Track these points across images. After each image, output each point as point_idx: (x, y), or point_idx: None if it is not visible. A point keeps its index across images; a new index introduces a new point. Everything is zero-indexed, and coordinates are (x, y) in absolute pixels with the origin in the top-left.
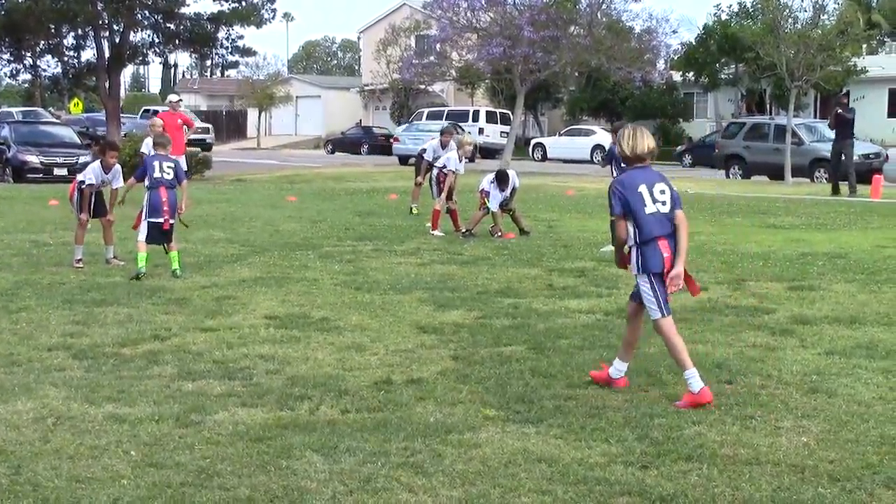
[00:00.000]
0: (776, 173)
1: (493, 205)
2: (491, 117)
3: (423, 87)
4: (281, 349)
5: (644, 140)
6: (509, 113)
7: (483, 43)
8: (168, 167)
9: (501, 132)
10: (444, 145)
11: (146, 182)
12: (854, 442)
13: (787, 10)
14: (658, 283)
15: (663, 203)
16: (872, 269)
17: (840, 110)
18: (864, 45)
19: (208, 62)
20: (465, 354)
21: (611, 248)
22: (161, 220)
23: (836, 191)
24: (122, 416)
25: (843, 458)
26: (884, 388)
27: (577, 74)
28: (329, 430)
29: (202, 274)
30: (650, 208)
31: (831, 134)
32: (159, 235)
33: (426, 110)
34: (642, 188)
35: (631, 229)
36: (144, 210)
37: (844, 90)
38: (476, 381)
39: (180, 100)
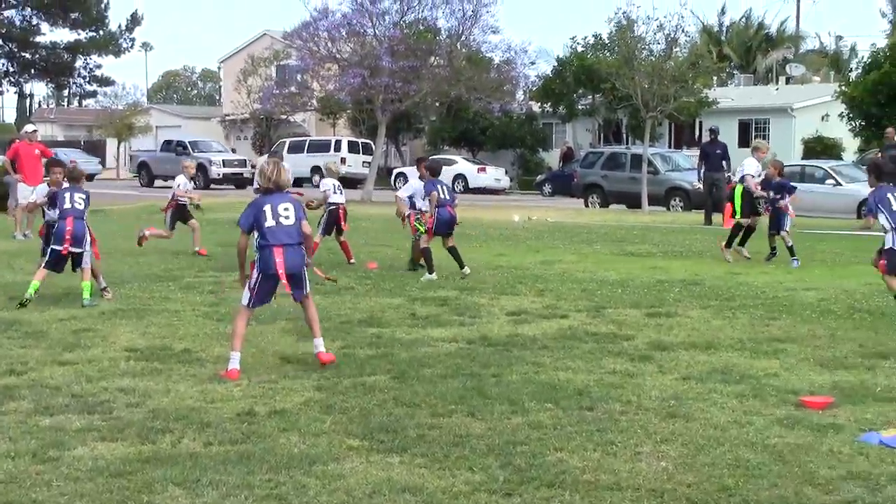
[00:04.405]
0: (633, 202)
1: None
2: (353, 147)
3: (284, 117)
4: (142, 382)
5: (283, 174)
6: (371, 143)
7: (343, 73)
8: (80, 198)
9: (363, 162)
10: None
11: (56, 213)
12: (710, 465)
13: (642, 43)
14: (263, 281)
15: (286, 218)
16: (726, 296)
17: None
18: (715, 78)
19: (66, 92)
20: (329, 385)
21: (429, 277)
22: (61, 247)
23: (708, 220)
24: None
25: (700, 482)
26: (738, 411)
27: (437, 104)
28: (191, 463)
29: (60, 306)
30: (270, 223)
31: (686, 163)
32: (61, 263)
33: (288, 140)
34: (267, 207)
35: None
36: (52, 238)
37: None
38: (340, 412)
39: (36, 130)
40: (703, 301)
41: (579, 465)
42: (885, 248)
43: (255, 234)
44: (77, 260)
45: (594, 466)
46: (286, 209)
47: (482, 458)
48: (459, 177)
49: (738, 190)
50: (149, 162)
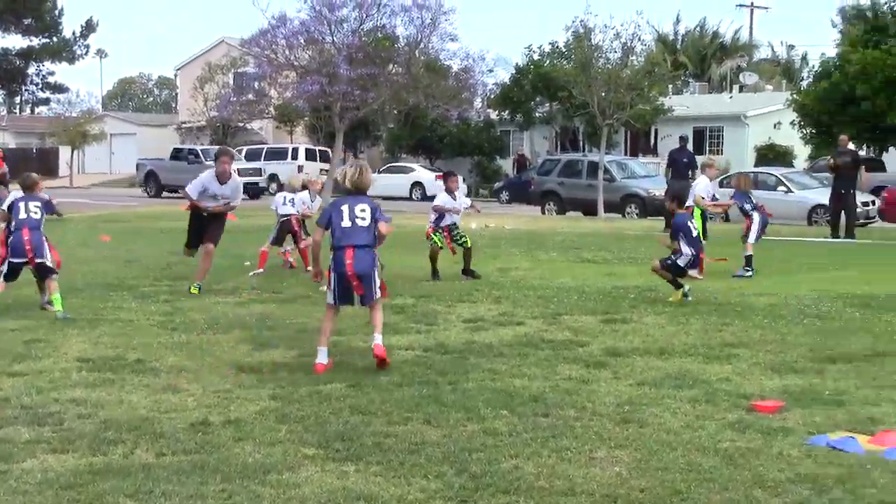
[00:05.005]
0: (590, 209)
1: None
2: (310, 155)
3: (241, 124)
4: (94, 393)
5: (365, 177)
6: (329, 150)
7: (301, 80)
8: (35, 206)
9: (321, 170)
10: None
11: (11, 224)
12: (663, 470)
13: (598, 51)
14: (337, 280)
15: (362, 220)
16: (680, 302)
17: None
18: (671, 86)
19: (18, 99)
20: (284, 393)
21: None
22: (24, 259)
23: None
24: None
25: (653, 487)
26: (691, 416)
27: (395, 112)
28: (144, 474)
29: (10, 316)
30: (346, 223)
31: (641, 170)
32: (18, 274)
33: (245, 148)
34: (345, 208)
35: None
36: (7, 251)
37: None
38: (295, 420)
39: None
40: (657, 307)
41: (534, 472)
42: (671, 261)
43: (330, 234)
44: (43, 272)
45: (549, 472)
46: (363, 210)
47: (438, 466)
48: (417, 185)
49: (698, 213)
50: (157, 171)
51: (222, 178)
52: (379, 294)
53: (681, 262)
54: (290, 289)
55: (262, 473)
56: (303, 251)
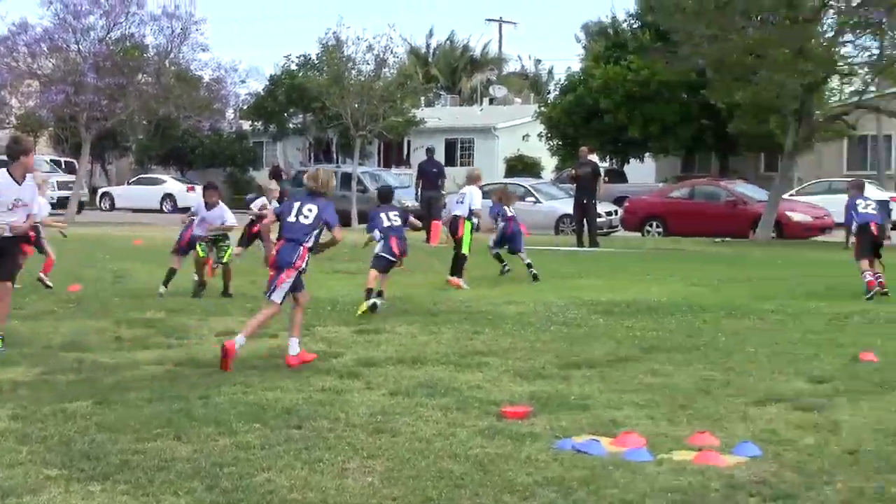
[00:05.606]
0: (343, 220)
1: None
2: (55, 166)
3: None
4: None
5: (331, 183)
6: (75, 162)
7: (45, 89)
8: None
9: (67, 184)
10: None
11: None
12: (415, 478)
13: (351, 63)
14: (276, 271)
15: (306, 217)
16: (432, 311)
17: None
18: (423, 98)
19: None
20: (26, 413)
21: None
22: None
23: (429, 238)
24: None
25: (405, 495)
26: (443, 424)
27: (145, 122)
28: None
29: None
30: (291, 218)
31: (394, 181)
32: None
33: None
34: (297, 204)
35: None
36: None
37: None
38: (37, 441)
39: None
40: (410, 317)
41: (286, 484)
42: (377, 253)
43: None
44: None
45: (301, 485)
46: (310, 210)
47: (188, 482)
48: (168, 196)
49: (468, 227)
50: None
51: (20, 176)
52: (300, 291)
53: (382, 251)
54: (33, 304)
55: (0, 498)
56: (48, 261)
